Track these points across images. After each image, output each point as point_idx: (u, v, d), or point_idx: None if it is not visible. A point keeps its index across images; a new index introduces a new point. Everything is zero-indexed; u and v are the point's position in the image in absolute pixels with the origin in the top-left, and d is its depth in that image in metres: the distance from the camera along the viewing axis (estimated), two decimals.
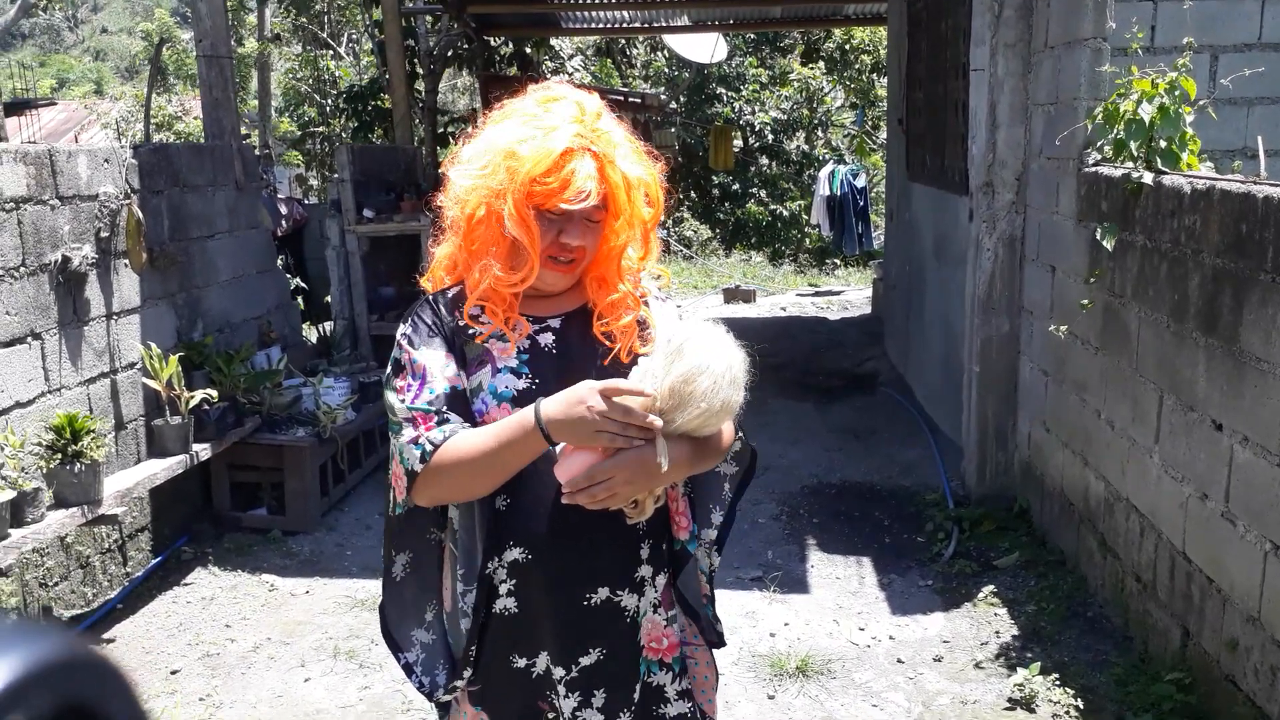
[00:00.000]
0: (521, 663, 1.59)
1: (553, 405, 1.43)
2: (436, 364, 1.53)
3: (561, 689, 1.59)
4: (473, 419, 1.52)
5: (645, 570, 1.61)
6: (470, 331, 1.57)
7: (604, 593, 1.58)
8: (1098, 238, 3.53)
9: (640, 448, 1.42)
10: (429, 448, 1.46)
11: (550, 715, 1.62)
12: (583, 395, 1.41)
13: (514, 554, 1.56)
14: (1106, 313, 3.67)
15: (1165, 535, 3.23)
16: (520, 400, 1.51)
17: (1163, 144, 3.41)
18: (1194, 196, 3.01)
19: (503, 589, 1.57)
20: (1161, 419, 3.24)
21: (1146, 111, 3.40)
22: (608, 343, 1.58)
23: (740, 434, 1.65)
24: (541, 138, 1.48)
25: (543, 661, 1.59)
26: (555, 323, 1.60)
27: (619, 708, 1.61)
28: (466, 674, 1.60)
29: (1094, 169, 3.78)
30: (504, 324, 1.56)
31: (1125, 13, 3.84)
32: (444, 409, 1.50)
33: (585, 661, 1.58)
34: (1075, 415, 3.98)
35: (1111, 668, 3.35)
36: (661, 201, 1.61)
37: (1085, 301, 3.74)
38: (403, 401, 1.51)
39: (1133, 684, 3.20)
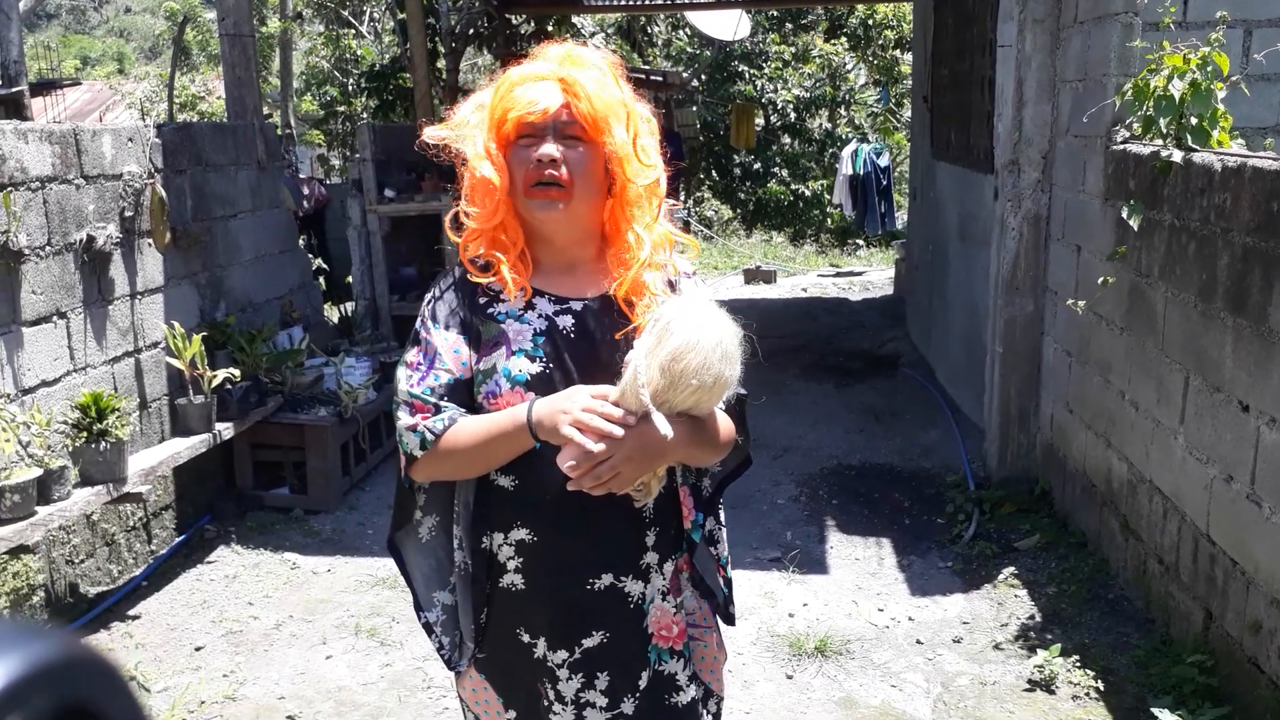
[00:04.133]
0: (526, 638, 1.60)
1: (542, 406, 1.45)
2: (447, 349, 1.55)
3: (564, 671, 1.59)
4: (473, 405, 1.54)
5: (651, 557, 1.60)
6: (489, 310, 1.57)
7: (608, 579, 1.58)
8: (1124, 216, 3.48)
9: (639, 426, 1.41)
10: (429, 436, 1.51)
11: (544, 703, 1.62)
12: (567, 403, 1.43)
13: (521, 534, 1.57)
14: (1132, 293, 3.62)
15: (1189, 517, 3.19)
16: (533, 384, 1.51)
17: (1193, 121, 3.35)
18: (1224, 175, 2.96)
19: (510, 565, 1.58)
20: (1187, 400, 3.20)
21: (1177, 88, 3.34)
22: (628, 310, 1.56)
23: (739, 438, 1.63)
24: (505, 79, 1.55)
25: (541, 645, 1.60)
26: (577, 305, 1.58)
27: (623, 692, 1.60)
28: (478, 639, 1.63)
29: (1122, 147, 3.72)
30: (509, 272, 1.55)
31: None
32: (443, 399, 1.53)
33: (588, 644, 1.59)
34: (1099, 396, 3.94)
35: (1133, 650, 3.33)
36: (638, 119, 1.56)
37: (1110, 279, 3.69)
38: (408, 380, 1.55)
39: (1154, 666, 3.18)
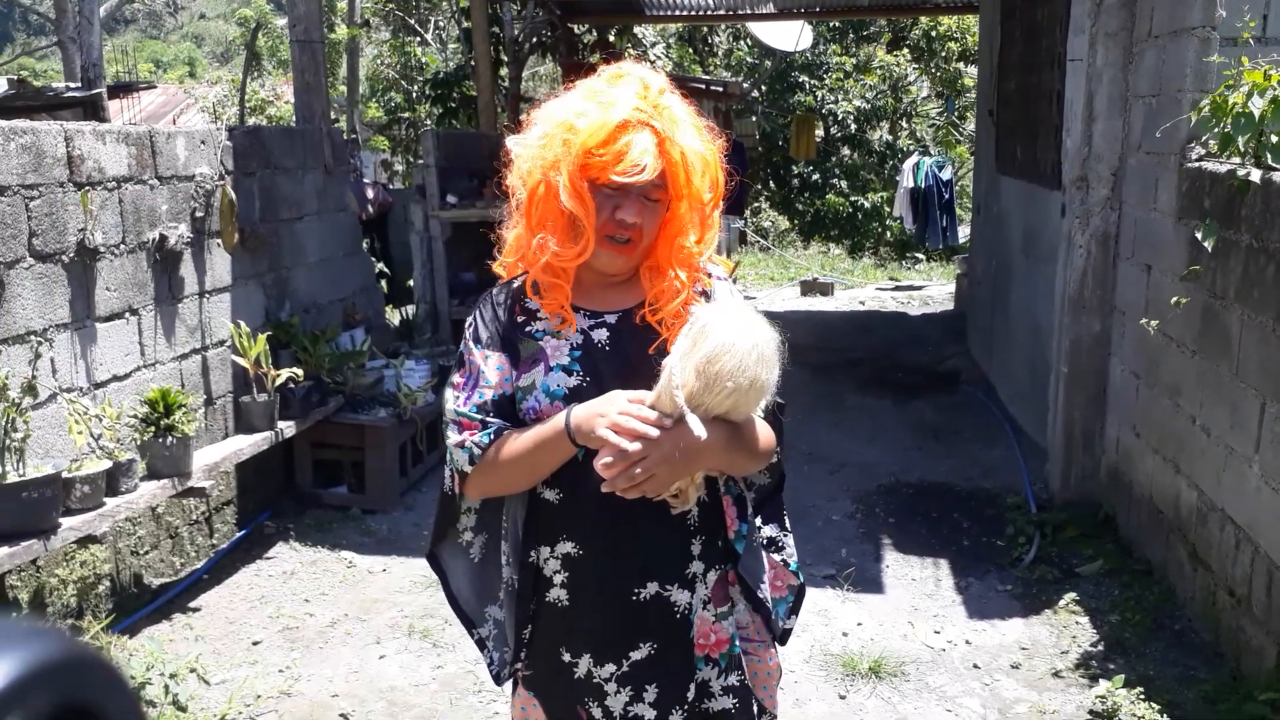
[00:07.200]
0: (566, 658, 1.60)
1: (580, 411, 1.48)
2: (490, 367, 1.58)
3: (612, 685, 1.59)
4: (518, 420, 1.56)
5: (697, 566, 1.60)
6: (527, 329, 1.59)
7: (653, 588, 1.57)
8: (1197, 236, 3.39)
9: (674, 429, 1.41)
10: (476, 452, 1.54)
11: None
12: (604, 406, 1.45)
13: (566, 546, 1.58)
14: (1205, 315, 3.52)
15: (1263, 549, 3.09)
16: (572, 398, 1.53)
17: (1274, 139, 3.25)
18: None
19: (556, 580, 1.59)
20: (1263, 427, 3.10)
21: (1257, 105, 3.24)
22: (658, 328, 1.57)
23: (779, 448, 1.63)
24: (600, 110, 1.49)
25: (584, 664, 1.59)
26: (611, 318, 1.60)
27: (671, 703, 1.60)
28: (522, 655, 1.64)
29: (1197, 164, 3.62)
30: (559, 308, 1.57)
31: (1236, 1, 3.67)
32: (489, 415, 1.55)
33: (636, 656, 1.58)
34: (1168, 420, 3.83)
35: (1200, 684, 3.23)
36: (722, 184, 1.59)
37: (1182, 300, 3.59)
38: (455, 401, 1.58)
39: (1223, 702, 3.08)
